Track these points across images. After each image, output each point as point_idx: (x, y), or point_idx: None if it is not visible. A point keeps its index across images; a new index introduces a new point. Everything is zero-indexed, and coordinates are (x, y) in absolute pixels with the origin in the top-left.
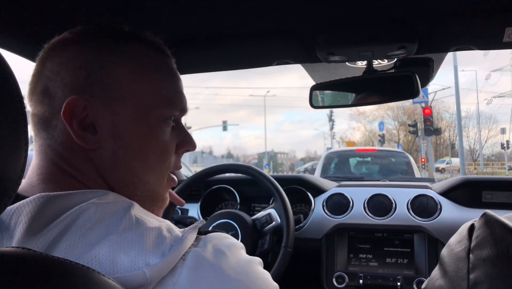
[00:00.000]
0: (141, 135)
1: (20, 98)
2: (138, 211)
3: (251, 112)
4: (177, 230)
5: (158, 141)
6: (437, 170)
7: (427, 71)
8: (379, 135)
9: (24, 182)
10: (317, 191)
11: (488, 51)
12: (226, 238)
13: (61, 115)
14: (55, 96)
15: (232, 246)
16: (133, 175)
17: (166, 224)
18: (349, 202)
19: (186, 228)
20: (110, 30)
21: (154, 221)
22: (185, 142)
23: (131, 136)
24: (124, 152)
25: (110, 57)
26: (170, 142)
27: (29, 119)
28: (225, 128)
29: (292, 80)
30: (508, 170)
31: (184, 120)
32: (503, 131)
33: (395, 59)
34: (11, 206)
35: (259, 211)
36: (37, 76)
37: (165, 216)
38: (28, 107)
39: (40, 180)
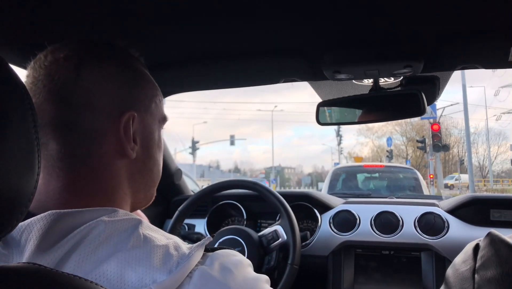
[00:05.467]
0: (157, 144)
1: (34, 115)
2: (146, 228)
3: (261, 127)
4: (184, 247)
5: (162, 148)
6: (446, 186)
7: (433, 89)
8: (387, 151)
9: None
10: (324, 207)
11: None
12: (233, 256)
13: (110, 126)
14: (101, 108)
15: (239, 263)
16: (152, 180)
17: (174, 241)
18: (356, 219)
19: (193, 245)
20: (125, 49)
21: (162, 238)
22: None
23: (152, 146)
24: (149, 160)
25: (139, 75)
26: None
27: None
28: (232, 142)
29: (303, 95)
30: None
31: (192, 134)
32: None
33: (401, 77)
34: (22, 223)
35: (266, 227)
36: (70, 85)
37: (172, 232)
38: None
39: (64, 190)
